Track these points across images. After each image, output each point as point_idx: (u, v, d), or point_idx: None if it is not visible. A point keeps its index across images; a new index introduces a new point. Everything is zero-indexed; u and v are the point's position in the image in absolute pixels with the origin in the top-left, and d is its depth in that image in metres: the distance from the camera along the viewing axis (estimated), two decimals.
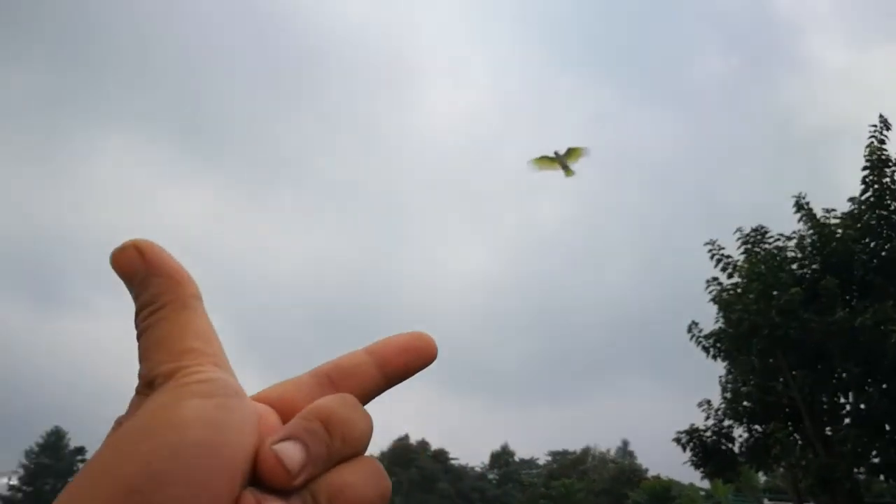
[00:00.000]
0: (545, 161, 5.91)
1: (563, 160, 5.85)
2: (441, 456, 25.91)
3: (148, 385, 0.22)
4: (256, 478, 0.21)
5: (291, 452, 0.21)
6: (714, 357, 6.85)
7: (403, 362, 0.25)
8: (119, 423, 0.22)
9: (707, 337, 6.83)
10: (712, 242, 6.92)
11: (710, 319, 6.93)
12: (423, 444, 26.28)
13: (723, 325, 6.72)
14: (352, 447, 0.23)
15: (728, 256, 6.83)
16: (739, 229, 6.87)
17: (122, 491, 0.19)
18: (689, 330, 6.98)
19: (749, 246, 6.79)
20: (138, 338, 0.24)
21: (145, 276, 0.24)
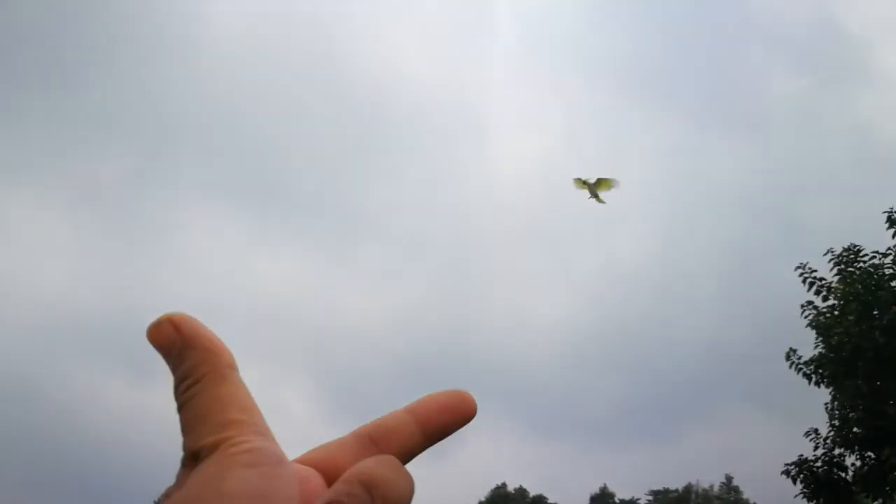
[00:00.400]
0: (580, 183, 6.13)
1: (592, 188, 6.05)
2: (540, 502, 25.43)
3: (193, 458, 0.23)
4: None
5: None
6: (817, 384, 6.60)
7: (443, 422, 0.25)
8: (167, 494, 0.23)
9: (807, 363, 6.60)
10: (803, 266, 6.73)
11: (807, 345, 6.71)
12: (521, 492, 25.87)
13: (823, 350, 6.49)
14: None
15: (821, 279, 6.62)
16: (831, 250, 6.66)
17: None
18: (788, 357, 6.76)
19: (842, 266, 6.57)
20: (179, 410, 0.24)
21: (182, 349, 0.24)
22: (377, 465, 0.22)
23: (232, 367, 0.24)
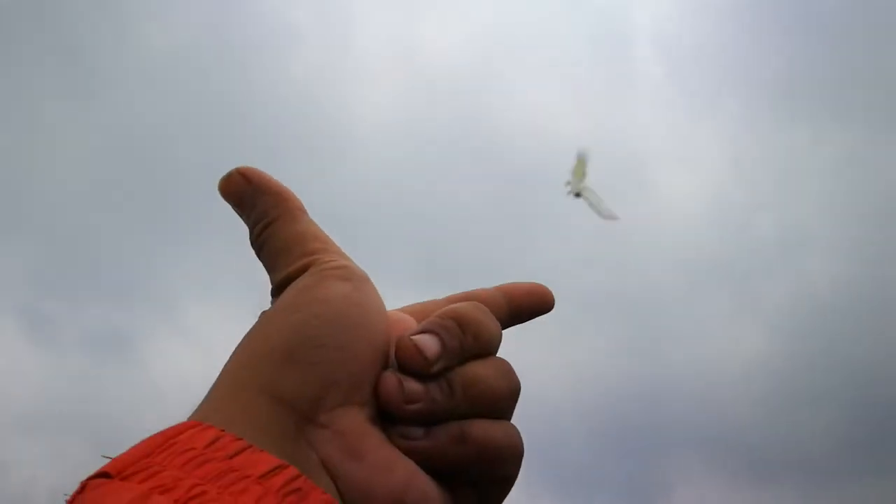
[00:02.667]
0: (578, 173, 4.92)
1: (576, 180, 4.84)
2: None
3: (282, 288, 0.24)
4: (398, 363, 0.23)
5: (429, 343, 0.22)
6: None
7: (530, 303, 0.27)
8: (263, 314, 0.23)
9: None
10: None
11: None
12: None
13: None
14: (484, 346, 0.24)
15: None
16: None
17: (282, 353, 0.21)
18: None
19: None
20: (259, 253, 0.25)
21: (253, 195, 0.25)
22: (471, 307, 0.24)
23: (303, 209, 0.25)
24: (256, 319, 0.23)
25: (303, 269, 0.24)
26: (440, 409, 0.22)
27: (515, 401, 0.24)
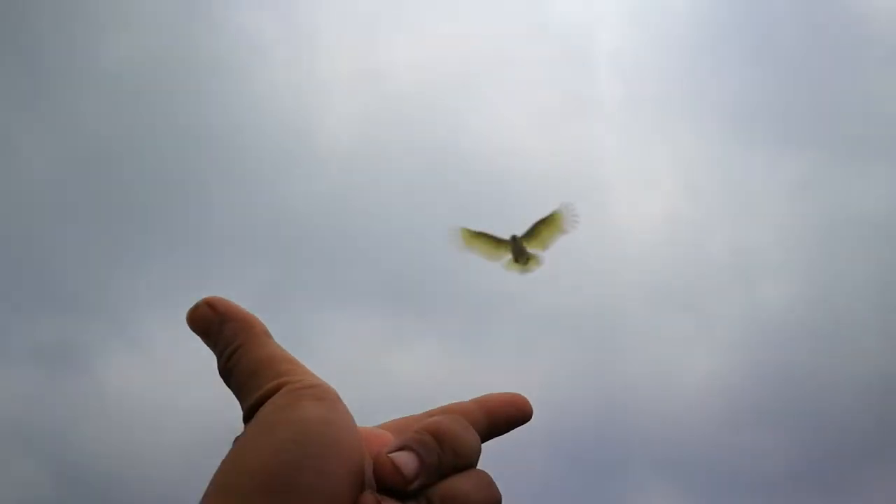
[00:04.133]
0: (485, 242, 3.99)
1: (518, 245, 3.96)
2: None
3: (253, 411, 0.24)
4: (376, 481, 0.23)
5: (406, 459, 0.22)
6: None
7: (507, 414, 0.27)
8: (237, 439, 0.23)
9: None
10: None
11: None
12: None
13: None
14: (463, 459, 0.24)
15: None
16: None
17: (261, 479, 0.21)
18: None
19: None
20: (228, 381, 0.25)
21: (219, 324, 0.26)
22: (448, 420, 0.24)
23: (268, 334, 0.26)
24: (231, 445, 0.23)
25: (274, 391, 0.24)
26: None
27: None
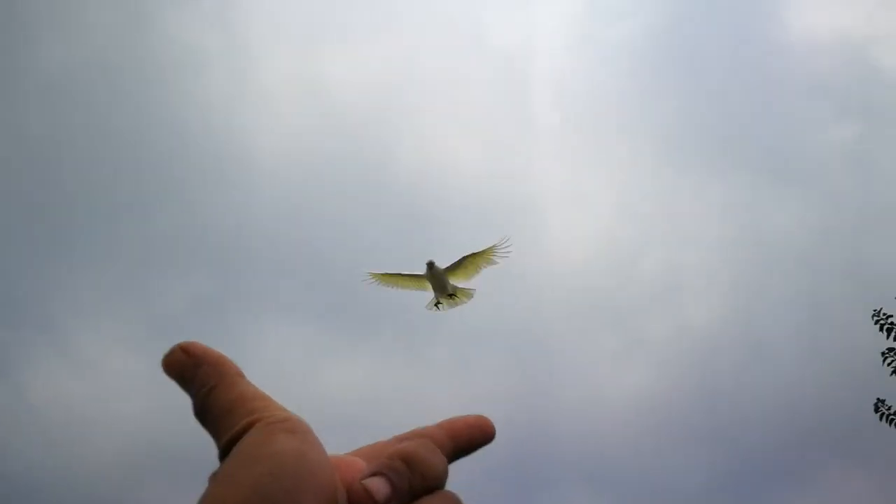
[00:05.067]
0: (402, 279, 3.92)
1: (439, 278, 3.84)
2: None
3: (228, 449, 0.24)
4: None
5: (378, 485, 0.24)
6: None
7: (471, 436, 0.28)
8: (214, 475, 0.24)
9: None
10: (877, 312, 6.53)
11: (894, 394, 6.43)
12: None
13: None
14: (431, 482, 0.25)
15: None
16: None
17: None
18: (877, 409, 6.49)
19: None
20: (204, 421, 0.26)
21: (194, 367, 0.26)
22: (417, 446, 0.25)
23: (241, 374, 0.26)
24: (208, 483, 0.24)
25: (248, 427, 0.24)
26: None
27: None
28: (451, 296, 3.94)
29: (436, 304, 3.96)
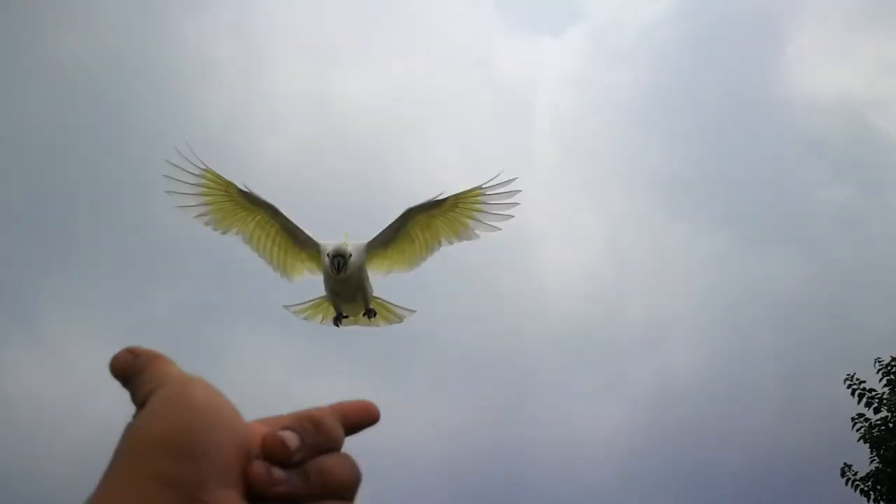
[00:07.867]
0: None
1: (357, 282, 2.39)
2: None
3: (146, 400, 0.27)
4: (265, 454, 0.27)
5: (291, 438, 0.27)
6: (876, 501, 6.35)
7: (357, 418, 0.31)
8: (132, 421, 0.27)
9: (864, 479, 6.39)
10: (850, 377, 6.61)
11: (863, 461, 6.50)
12: None
13: (879, 465, 6.29)
14: (333, 443, 0.29)
15: (871, 390, 6.49)
16: (878, 360, 6.56)
17: (168, 445, 0.25)
18: (843, 474, 6.55)
19: (892, 376, 6.45)
20: (139, 404, 0.28)
21: (134, 364, 0.29)
22: (321, 412, 0.29)
23: (173, 363, 0.29)
24: (130, 419, 0.27)
25: (164, 381, 0.28)
26: (299, 492, 0.27)
27: (357, 487, 0.29)
28: (369, 313, 2.51)
29: (336, 319, 2.57)
